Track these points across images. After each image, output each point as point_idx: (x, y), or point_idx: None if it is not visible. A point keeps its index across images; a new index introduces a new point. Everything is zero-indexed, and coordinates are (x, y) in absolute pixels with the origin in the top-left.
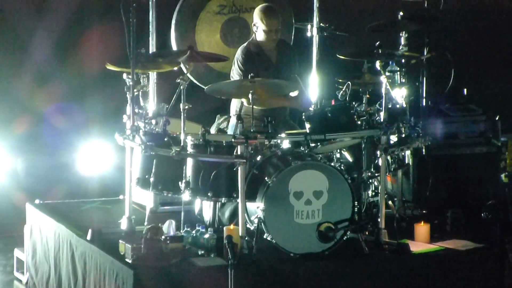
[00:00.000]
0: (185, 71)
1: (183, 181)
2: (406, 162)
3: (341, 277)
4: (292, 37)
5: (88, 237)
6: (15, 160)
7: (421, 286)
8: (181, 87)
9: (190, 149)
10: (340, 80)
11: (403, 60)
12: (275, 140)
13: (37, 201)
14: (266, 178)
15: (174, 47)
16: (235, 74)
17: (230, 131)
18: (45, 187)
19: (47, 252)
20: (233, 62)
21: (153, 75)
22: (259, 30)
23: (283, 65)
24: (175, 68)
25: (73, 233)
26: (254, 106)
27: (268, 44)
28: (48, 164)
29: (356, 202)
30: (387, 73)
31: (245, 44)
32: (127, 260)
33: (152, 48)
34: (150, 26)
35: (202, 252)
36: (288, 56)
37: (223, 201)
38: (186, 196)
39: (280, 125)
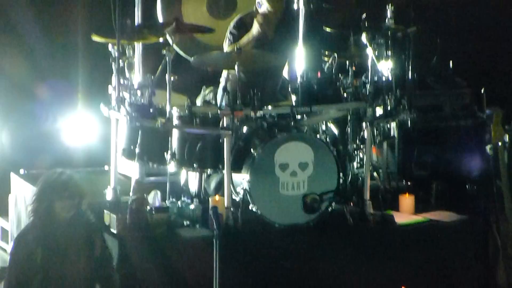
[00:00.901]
0: (171, 42)
1: (169, 152)
2: (392, 134)
3: (326, 248)
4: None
5: None
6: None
7: (405, 257)
8: (167, 59)
9: (175, 121)
10: (327, 53)
11: (389, 33)
12: (261, 112)
13: (21, 171)
14: (251, 150)
15: (160, 18)
16: (226, 44)
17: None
18: (29, 157)
19: None
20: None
21: (138, 46)
22: (262, 8)
23: (278, 43)
24: (161, 40)
25: None
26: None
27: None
28: (32, 134)
29: (341, 174)
30: (374, 46)
31: (242, 14)
32: (112, 230)
33: (137, 19)
34: None
35: (188, 223)
36: (286, 34)
37: (208, 172)
38: (171, 167)
39: (267, 97)
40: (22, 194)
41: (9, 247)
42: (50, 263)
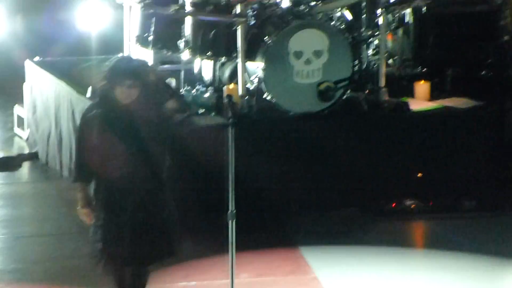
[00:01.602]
0: None
1: (183, 39)
2: (407, 20)
3: (340, 136)
4: None
5: (88, 95)
6: (14, 18)
7: (420, 143)
8: None
9: (189, 8)
10: None
11: None
12: None
13: (36, 58)
14: (266, 37)
15: None
16: None
17: None
18: (44, 45)
19: (47, 109)
20: None
21: None
22: None
23: None
24: None
25: (73, 90)
26: None
27: None
28: (47, 22)
29: (356, 61)
30: None
31: None
32: None
33: None
34: None
35: (202, 110)
36: None
37: (222, 60)
38: (186, 55)
39: None
40: (38, 81)
41: (25, 133)
42: (111, 142)
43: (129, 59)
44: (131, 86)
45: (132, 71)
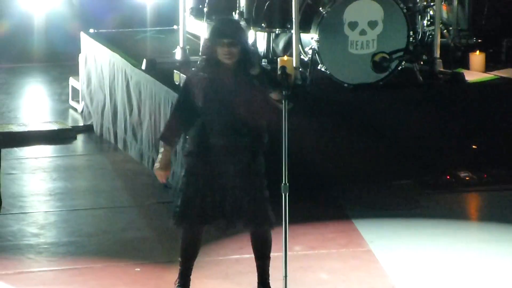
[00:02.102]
0: None
1: (237, 11)
2: None
3: (395, 107)
4: None
5: (143, 67)
6: None
7: (475, 114)
8: None
9: None
10: None
11: None
12: None
13: (91, 30)
14: (320, 8)
15: None
16: None
17: None
18: (99, 16)
19: (102, 81)
20: None
21: None
22: None
23: None
24: None
25: (128, 62)
26: None
27: None
28: None
29: (411, 32)
30: None
31: None
32: None
33: None
34: None
35: None
36: None
37: (277, 32)
38: None
39: None
40: (92, 54)
41: (80, 106)
42: (211, 104)
43: (227, 19)
44: (231, 45)
45: (231, 29)
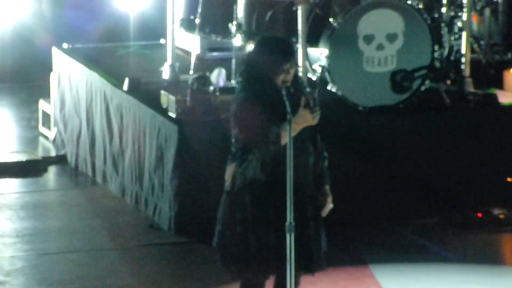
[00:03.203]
0: None
1: (234, 22)
2: None
3: (418, 133)
4: None
5: (125, 87)
6: None
7: (509, 139)
8: None
9: None
10: None
11: None
12: None
13: (65, 45)
14: (331, 19)
15: None
16: None
17: None
18: (74, 29)
19: (77, 104)
20: None
21: None
22: None
23: None
24: None
25: (107, 82)
26: None
27: None
28: (77, 3)
29: (436, 46)
30: None
31: None
32: (170, 114)
33: None
34: None
35: None
36: None
37: None
38: (237, 40)
39: None
40: (66, 72)
41: (51, 133)
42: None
43: (281, 38)
44: (293, 67)
45: (292, 52)
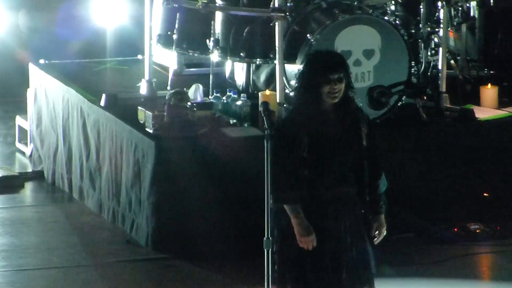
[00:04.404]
0: None
1: (212, 38)
2: (472, 15)
3: (394, 149)
4: None
5: (102, 103)
6: (17, 14)
7: (487, 157)
8: None
9: (219, 1)
10: None
11: None
12: None
13: (42, 61)
14: (308, 35)
15: None
16: None
17: None
18: (51, 45)
19: (54, 120)
20: None
21: None
22: None
23: None
24: None
25: (84, 98)
26: None
27: None
28: (54, 18)
29: (413, 62)
30: None
31: None
32: (147, 129)
33: None
34: None
35: (234, 121)
36: None
37: (258, 62)
38: (215, 56)
39: None
40: (43, 88)
41: (28, 149)
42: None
43: (330, 51)
44: (341, 80)
45: (339, 62)
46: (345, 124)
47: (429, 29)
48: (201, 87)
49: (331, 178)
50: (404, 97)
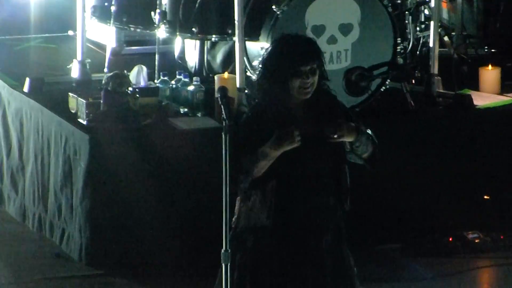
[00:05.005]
0: None
1: (157, 11)
2: None
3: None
4: None
5: (26, 89)
6: None
7: (487, 152)
8: None
9: None
10: None
11: None
12: None
13: None
14: (273, 7)
15: None
16: None
17: None
18: None
19: None
20: None
21: None
22: None
23: None
24: None
25: (4, 83)
26: None
27: None
28: None
29: (398, 39)
30: None
31: None
32: (80, 120)
33: None
34: None
35: (185, 109)
36: None
37: (213, 39)
38: (161, 32)
39: None
40: None
41: None
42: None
43: (296, 35)
44: (314, 72)
45: (314, 49)
46: (319, 122)
47: None
48: (144, 69)
49: (304, 188)
50: (388, 80)
